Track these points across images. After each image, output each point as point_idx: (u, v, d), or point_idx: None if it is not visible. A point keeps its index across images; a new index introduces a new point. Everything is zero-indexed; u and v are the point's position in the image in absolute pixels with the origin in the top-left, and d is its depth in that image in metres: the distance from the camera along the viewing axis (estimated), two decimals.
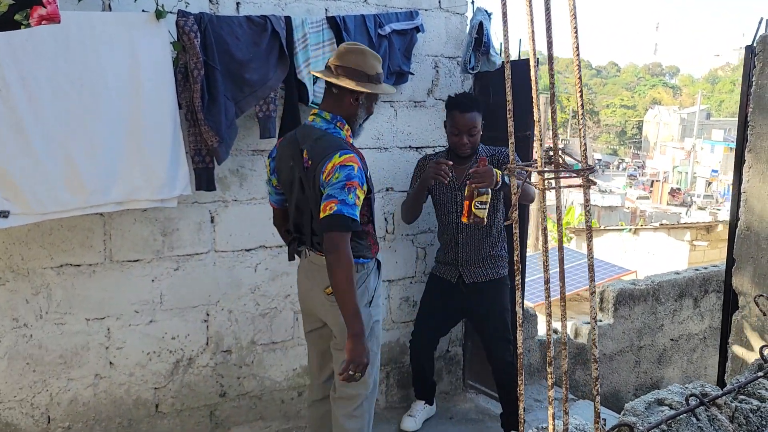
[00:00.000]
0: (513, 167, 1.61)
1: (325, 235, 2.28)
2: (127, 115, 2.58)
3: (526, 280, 5.68)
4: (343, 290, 2.28)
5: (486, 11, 3.49)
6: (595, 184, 1.54)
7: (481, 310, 3.45)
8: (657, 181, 47.44)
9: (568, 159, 1.64)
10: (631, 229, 13.31)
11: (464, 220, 2.97)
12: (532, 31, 1.50)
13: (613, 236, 13.65)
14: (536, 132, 1.45)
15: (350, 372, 2.29)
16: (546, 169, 1.49)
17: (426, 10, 3.60)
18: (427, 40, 3.66)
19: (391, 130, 3.62)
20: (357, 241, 2.45)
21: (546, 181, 1.50)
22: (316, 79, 3.12)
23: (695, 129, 52.80)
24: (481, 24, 3.38)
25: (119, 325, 3.02)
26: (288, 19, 2.98)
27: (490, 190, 2.91)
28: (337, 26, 3.13)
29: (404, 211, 3.48)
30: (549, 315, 1.77)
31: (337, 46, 3.14)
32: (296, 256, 2.66)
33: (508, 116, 1.71)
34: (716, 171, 48.01)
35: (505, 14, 1.58)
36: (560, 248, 1.68)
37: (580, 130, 1.48)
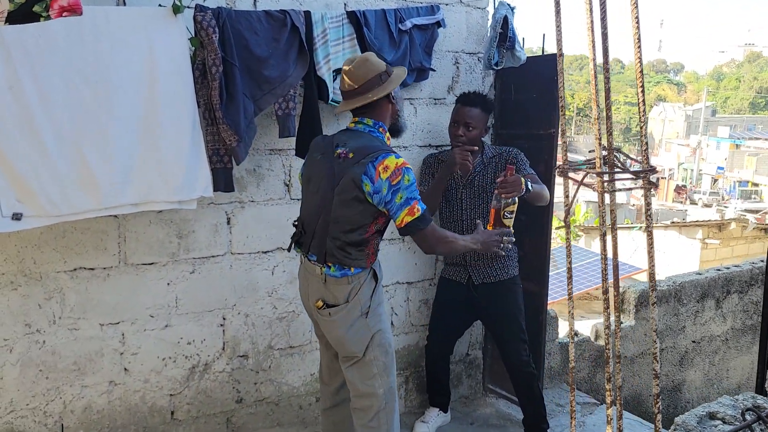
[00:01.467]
0: (566, 167, 1.51)
1: (419, 233, 2.36)
2: (144, 113, 2.48)
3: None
4: (462, 252, 2.82)
5: (509, 5, 3.39)
6: (657, 187, 1.43)
7: (494, 311, 3.38)
8: (662, 178, 47.24)
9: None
10: (641, 227, 13.19)
11: (489, 228, 2.87)
12: (591, 21, 1.39)
13: (623, 234, 13.52)
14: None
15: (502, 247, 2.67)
16: (605, 170, 1.39)
17: (446, 4, 3.49)
18: (447, 36, 3.55)
19: (410, 128, 3.51)
20: (356, 249, 2.39)
21: (605, 184, 1.40)
22: (335, 76, 3.02)
23: (701, 126, 52.56)
24: (505, 18, 3.27)
25: (134, 330, 2.93)
26: (307, 14, 2.88)
27: (517, 199, 2.82)
28: (357, 21, 3.03)
29: None
30: (607, 330, 1.67)
31: (358, 41, 3.05)
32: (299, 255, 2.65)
33: (560, 114, 1.61)
34: (722, 168, 47.70)
35: (558, 3, 1.47)
36: (615, 255, 1.58)
37: (641, 128, 1.38)
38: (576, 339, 4.44)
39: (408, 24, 3.21)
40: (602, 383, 4.56)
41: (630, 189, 1.36)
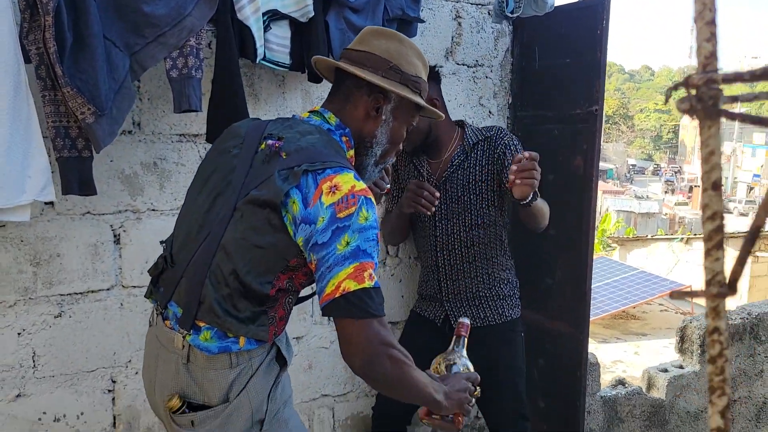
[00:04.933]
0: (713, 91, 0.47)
1: (357, 323, 1.26)
2: None
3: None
4: (416, 398, 1.39)
5: None
6: None
7: (479, 371, 2.28)
8: (696, 186, 45.75)
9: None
10: (682, 239, 11.97)
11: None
12: None
13: (662, 246, 12.31)
14: None
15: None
16: None
17: None
18: None
19: None
20: (253, 306, 1.34)
21: None
22: (269, 23, 2.03)
23: (735, 133, 50.99)
24: None
25: None
26: None
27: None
28: None
29: (385, 233, 2.43)
30: None
31: None
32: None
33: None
34: (758, 176, 45.95)
35: None
36: None
37: None
38: (624, 391, 3.37)
39: None
40: None
41: None
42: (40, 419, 2.06)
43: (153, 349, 1.46)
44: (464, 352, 1.65)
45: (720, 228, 0.43)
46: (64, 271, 2.03)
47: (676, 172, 58.89)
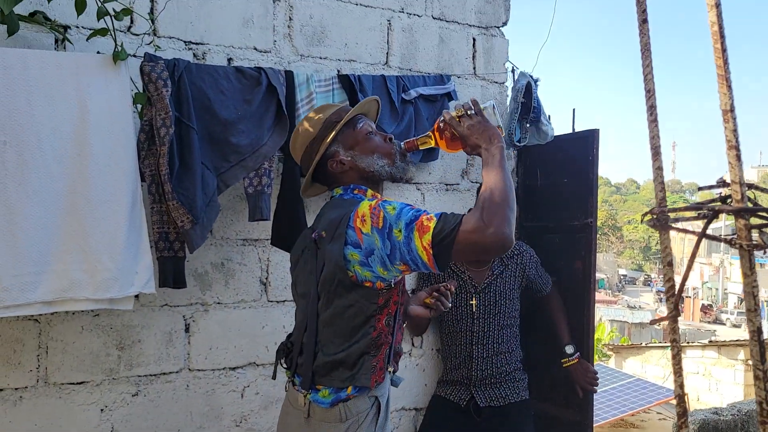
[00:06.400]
0: (664, 212, 0.88)
1: (461, 238, 1.49)
2: (67, 184, 1.93)
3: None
4: (504, 173, 1.62)
5: (532, 76, 2.89)
6: None
7: None
8: (687, 297, 46.17)
9: None
10: None
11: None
12: None
13: (656, 354, 12.52)
14: None
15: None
16: (749, 206, 0.78)
17: (458, 76, 3.01)
18: None
19: None
20: (361, 358, 1.66)
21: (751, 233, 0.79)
22: None
23: (722, 244, 51.96)
24: (528, 87, 2.76)
25: None
26: (289, 74, 2.38)
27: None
28: (351, 86, 2.53)
29: (410, 327, 2.78)
30: None
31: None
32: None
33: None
34: None
35: None
36: None
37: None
38: None
39: (413, 93, 2.71)
40: None
41: None
42: None
43: (285, 407, 1.78)
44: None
45: (672, 287, 0.82)
46: (143, 354, 2.37)
47: None
